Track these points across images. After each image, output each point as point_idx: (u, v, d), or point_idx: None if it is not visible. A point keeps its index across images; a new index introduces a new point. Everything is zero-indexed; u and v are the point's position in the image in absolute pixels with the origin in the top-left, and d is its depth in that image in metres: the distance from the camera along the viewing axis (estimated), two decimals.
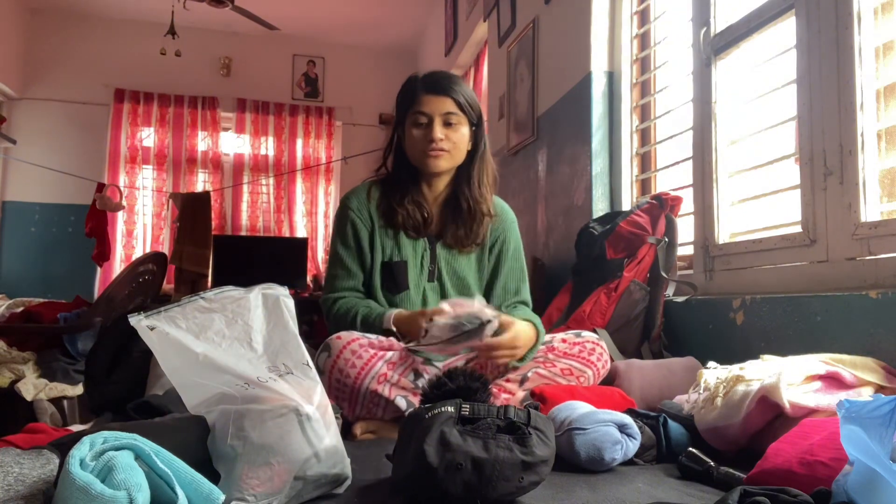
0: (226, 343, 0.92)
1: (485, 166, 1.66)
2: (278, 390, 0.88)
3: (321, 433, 0.88)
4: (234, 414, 0.86)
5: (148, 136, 5.44)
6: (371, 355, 1.40)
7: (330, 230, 5.70)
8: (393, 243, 1.63)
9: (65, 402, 2.30)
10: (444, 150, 1.56)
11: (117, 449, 0.71)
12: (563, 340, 1.59)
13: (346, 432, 1.36)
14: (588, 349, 1.57)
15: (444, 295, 1.65)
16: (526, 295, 1.73)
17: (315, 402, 0.91)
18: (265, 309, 0.97)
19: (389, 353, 1.44)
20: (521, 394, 1.50)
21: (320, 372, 1.38)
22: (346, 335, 1.44)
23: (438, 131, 1.55)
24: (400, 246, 1.63)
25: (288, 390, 0.89)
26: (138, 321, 0.87)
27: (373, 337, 1.46)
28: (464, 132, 1.59)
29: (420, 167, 1.61)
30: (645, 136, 2.41)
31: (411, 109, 1.58)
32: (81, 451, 0.68)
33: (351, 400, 1.40)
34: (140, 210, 5.36)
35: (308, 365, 0.96)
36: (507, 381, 1.53)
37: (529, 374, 1.52)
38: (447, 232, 1.65)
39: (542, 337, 1.56)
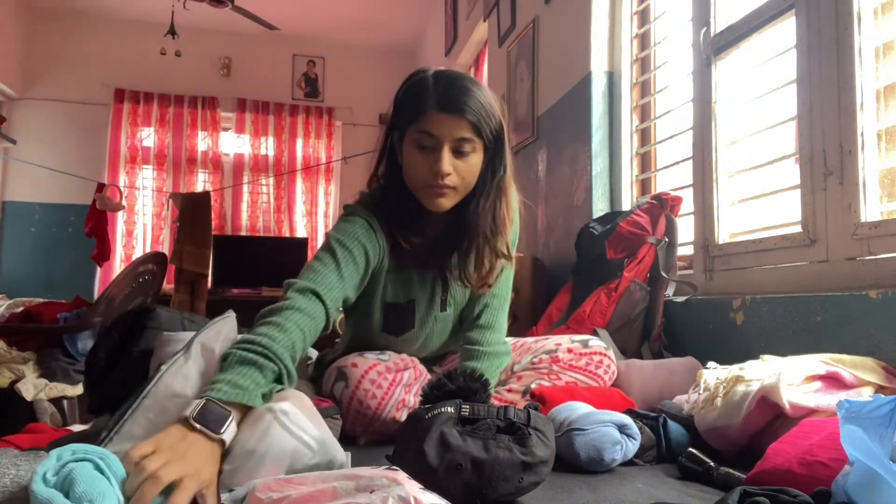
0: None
1: (503, 196, 1.37)
2: None
3: (303, 424, 0.88)
4: None
5: (148, 136, 5.44)
6: (390, 382, 1.35)
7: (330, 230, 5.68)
8: (402, 284, 1.42)
9: (65, 402, 2.30)
10: (450, 187, 1.30)
11: (78, 461, 0.70)
12: (570, 350, 1.52)
13: (347, 439, 1.35)
14: (595, 362, 1.52)
15: (455, 320, 1.51)
16: (499, 288, 1.49)
17: (288, 399, 0.91)
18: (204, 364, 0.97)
19: (406, 375, 1.39)
20: (523, 405, 1.46)
21: (338, 402, 1.34)
22: (361, 362, 1.36)
23: (446, 164, 1.27)
24: (410, 283, 1.43)
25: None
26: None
27: (386, 358, 1.40)
28: (475, 161, 1.32)
29: (419, 200, 1.35)
30: (645, 136, 2.41)
31: (416, 125, 1.29)
32: (46, 465, 0.68)
33: (367, 426, 1.35)
34: (140, 210, 5.36)
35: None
36: (510, 391, 1.49)
37: (533, 386, 1.47)
38: (450, 265, 1.43)
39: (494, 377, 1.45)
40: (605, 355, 1.55)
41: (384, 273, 1.39)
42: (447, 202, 1.32)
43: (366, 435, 1.37)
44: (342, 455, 0.92)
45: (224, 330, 1.04)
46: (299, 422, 0.87)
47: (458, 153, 1.29)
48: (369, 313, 1.44)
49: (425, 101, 1.28)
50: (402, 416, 1.33)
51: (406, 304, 1.43)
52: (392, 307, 1.43)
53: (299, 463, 0.86)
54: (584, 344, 1.55)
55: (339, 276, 1.25)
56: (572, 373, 1.51)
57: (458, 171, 1.29)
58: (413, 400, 1.36)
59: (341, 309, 1.34)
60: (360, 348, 1.47)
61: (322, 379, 1.45)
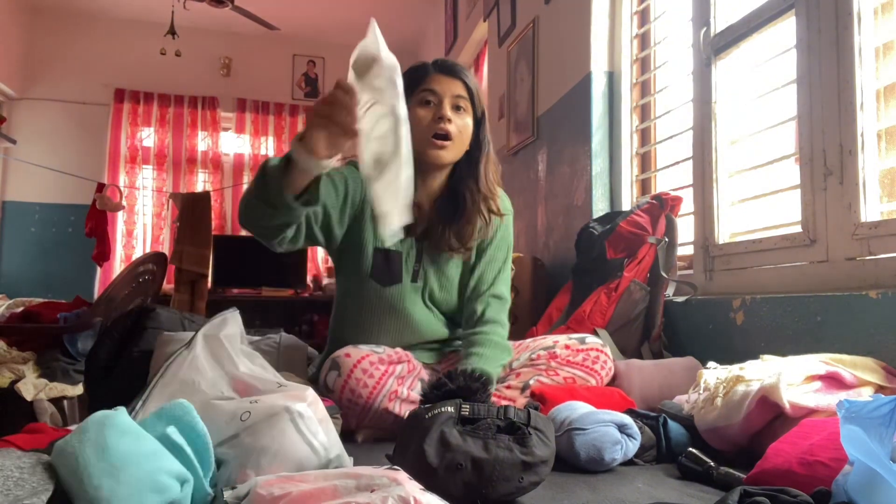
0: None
1: (490, 164, 1.58)
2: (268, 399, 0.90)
3: (315, 429, 0.88)
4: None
5: (148, 136, 5.44)
6: (382, 373, 1.37)
7: None
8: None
9: (65, 402, 2.30)
10: (450, 137, 1.47)
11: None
12: (567, 347, 1.55)
13: (347, 435, 1.35)
14: (592, 357, 1.54)
15: (425, 294, 1.57)
16: (499, 289, 1.61)
17: (308, 400, 0.91)
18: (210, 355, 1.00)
19: (399, 368, 1.41)
20: (522, 402, 1.46)
21: (330, 391, 1.36)
22: (354, 353, 1.39)
23: (448, 110, 1.47)
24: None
25: (277, 398, 0.90)
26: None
27: (380, 351, 1.43)
28: (469, 122, 1.52)
29: (420, 155, 1.45)
30: (645, 136, 2.41)
31: (418, 88, 1.49)
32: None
33: (360, 416, 1.37)
34: (140, 210, 5.37)
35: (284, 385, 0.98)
36: (508, 387, 1.50)
37: (532, 382, 1.49)
38: (436, 234, 1.54)
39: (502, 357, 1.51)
40: (601, 351, 1.56)
41: (368, 215, 1.51)
42: (447, 154, 1.50)
43: (361, 427, 1.38)
44: (348, 463, 0.93)
45: (229, 321, 1.05)
46: (312, 426, 0.88)
47: (455, 109, 1.50)
48: (360, 256, 1.53)
49: (426, 69, 1.52)
50: (395, 406, 1.36)
51: (395, 252, 1.53)
52: (382, 253, 1.53)
53: (305, 467, 0.86)
54: (581, 341, 1.58)
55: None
56: (570, 368, 1.52)
57: (456, 123, 1.49)
58: (406, 392, 1.39)
59: (325, 245, 1.53)
60: (350, 306, 1.56)
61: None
